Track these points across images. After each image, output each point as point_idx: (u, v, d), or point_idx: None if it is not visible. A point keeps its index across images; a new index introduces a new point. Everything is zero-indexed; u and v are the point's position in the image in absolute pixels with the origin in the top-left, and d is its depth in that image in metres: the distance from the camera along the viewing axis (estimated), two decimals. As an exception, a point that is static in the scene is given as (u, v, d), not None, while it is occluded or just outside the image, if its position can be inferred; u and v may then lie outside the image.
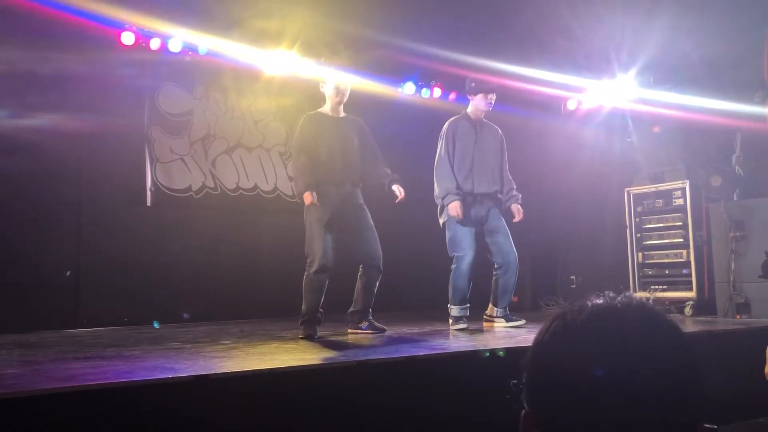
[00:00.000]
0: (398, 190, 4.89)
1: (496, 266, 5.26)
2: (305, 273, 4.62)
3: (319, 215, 4.61)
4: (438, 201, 5.24)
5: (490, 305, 5.28)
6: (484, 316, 5.29)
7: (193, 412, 2.60)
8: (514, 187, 5.43)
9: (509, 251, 5.21)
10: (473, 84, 5.34)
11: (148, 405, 2.54)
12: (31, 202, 5.52)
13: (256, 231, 6.76)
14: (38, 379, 2.76)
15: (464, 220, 5.12)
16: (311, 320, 4.56)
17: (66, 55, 5.55)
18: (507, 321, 5.20)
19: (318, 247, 4.56)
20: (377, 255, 4.74)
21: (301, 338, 4.42)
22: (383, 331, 4.71)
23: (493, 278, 5.27)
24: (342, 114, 4.93)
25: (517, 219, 5.32)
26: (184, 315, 5.93)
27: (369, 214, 4.82)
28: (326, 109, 4.91)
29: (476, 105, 5.31)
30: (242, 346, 4.04)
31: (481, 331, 5.03)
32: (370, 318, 4.79)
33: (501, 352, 3.42)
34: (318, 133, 4.77)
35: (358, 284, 4.80)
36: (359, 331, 4.73)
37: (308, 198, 4.59)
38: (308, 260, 4.61)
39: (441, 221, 5.29)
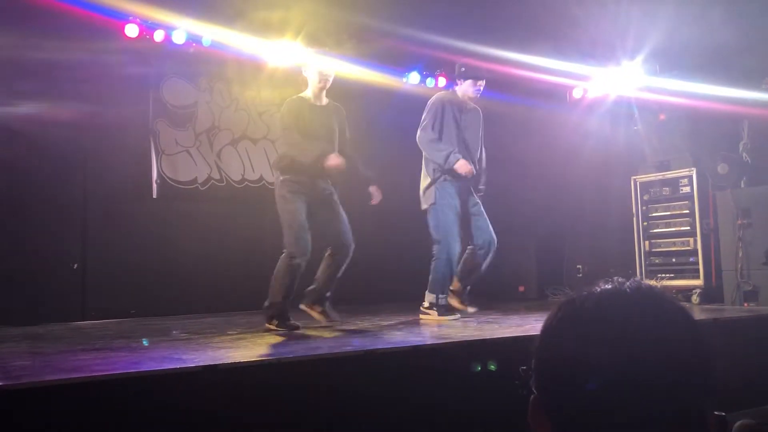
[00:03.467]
0: (376, 192, 4.79)
1: (476, 246, 5.14)
2: (280, 262, 4.47)
3: (294, 204, 4.50)
4: (429, 174, 5.10)
5: (456, 280, 5.14)
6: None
7: (201, 402, 2.60)
8: (485, 166, 5.31)
9: (490, 234, 5.13)
10: (463, 69, 5.22)
11: (156, 395, 2.55)
12: (37, 195, 5.54)
13: (262, 222, 6.73)
14: (46, 371, 2.78)
15: (451, 205, 5.03)
16: (285, 312, 4.43)
17: (70, 47, 5.54)
18: (471, 306, 5.11)
19: (297, 236, 4.44)
20: (348, 240, 4.63)
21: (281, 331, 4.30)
22: (337, 321, 4.60)
23: (466, 255, 5.14)
24: (324, 101, 4.78)
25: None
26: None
27: (339, 203, 4.71)
28: (308, 94, 4.75)
29: (464, 90, 5.21)
30: (249, 336, 4.05)
31: (470, 318, 4.96)
32: (327, 304, 4.66)
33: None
34: (298, 118, 4.62)
35: (323, 264, 4.66)
36: (311, 310, 4.60)
37: (334, 160, 4.46)
38: (287, 250, 4.46)
39: (424, 205, 5.16)
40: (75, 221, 5.81)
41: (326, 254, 4.68)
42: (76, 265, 5.77)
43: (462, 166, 4.94)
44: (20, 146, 5.43)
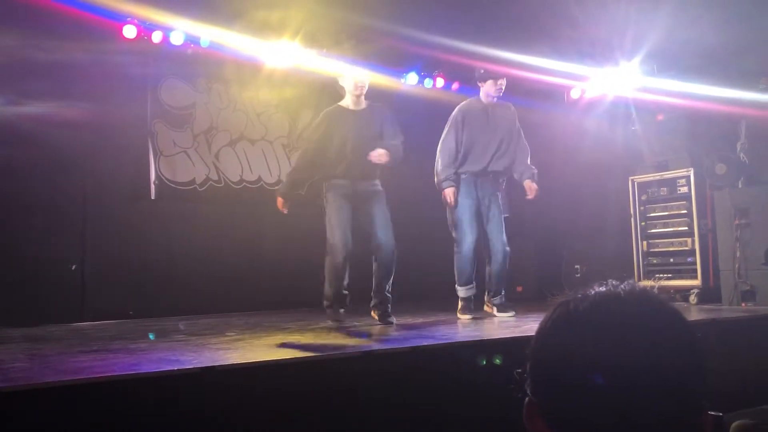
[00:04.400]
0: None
1: (489, 254, 5.31)
2: (326, 260, 4.73)
3: (336, 205, 4.72)
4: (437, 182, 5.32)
5: (486, 293, 5.37)
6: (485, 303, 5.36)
7: (199, 404, 2.61)
8: (529, 161, 5.42)
9: (498, 242, 5.25)
10: (482, 71, 5.40)
11: (155, 397, 2.55)
12: (35, 196, 5.53)
13: (260, 223, 6.76)
14: (45, 372, 2.78)
15: (465, 201, 5.21)
16: (333, 307, 4.73)
17: (68, 48, 5.54)
18: (498, 311, 5.25)
19: (335, 234, 4.65)
20: (382, 239, 4.76)
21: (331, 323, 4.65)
22: (390, 324, 4.69)
23: (486, 264, 5.35)
24: (363, 105, 4.97)
25: (530, 196, 5.33)
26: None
27: (384, 203, 4.86)
28: (347, 102, 4.96)
29: (486, 91, 5.36)
30: (247, 337, 4.05)
31: (482, 319, 5.06)
32: (387, 309, 4.79)
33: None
34: (332, 128, 4.84)
35: (375, 269, 4.84)
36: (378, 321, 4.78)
37: (279, 203, 4.87)
38: (328, 250, 4.71)
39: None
40: (73, 222, 5.81)
41: (374, 266, 4.85)
42: (74, 267, 5.77)
43: (447, 195, 5.18)
44: (18, 147, 5.43)
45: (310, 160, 4.90)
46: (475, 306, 5.29)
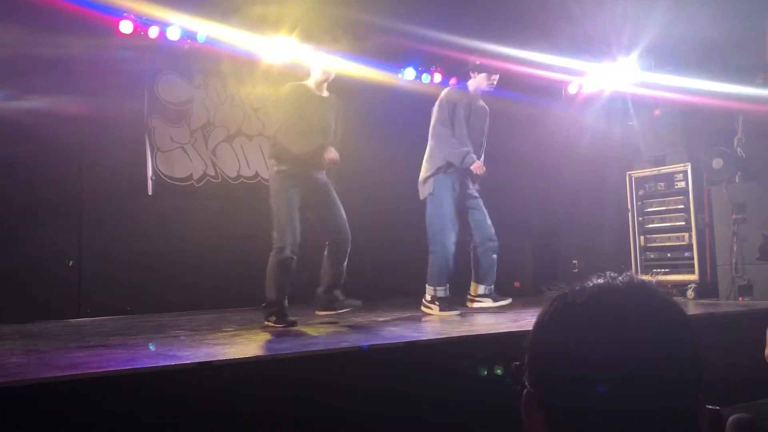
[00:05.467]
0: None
1: (474, 244, 5.19)
2: (271, 258, 4.46)
3: (283, 195, 4.50)
4: (432, 166, 5.15)
5: (473, 284, 5.21)
6: (468, 296, 5.22)
7: (196, 399, 2.61)
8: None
9: (487, 228, 5.17)
10: (478, 62, 5.28)
11: (152, 392, 2.55)
12: (32, 192, 5.52)
13: (257, 218, 6.69)
14: (42, 368, 2.78)
15: (448, 197, 5.08)
16: (283, 309, 4.40)
17: (65, 43, 5.52)
18: (494, 301, 5.14)
19: (287, 230, 4.43)
20: (344, 229, 4.65)
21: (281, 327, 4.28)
22: (359, 305, 4.60)
23: (472, 256, 5.20)
24: (325, 93, 4.80)
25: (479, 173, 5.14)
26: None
27: (333, 190, 4.72)
28: (310, 83, 4.77)
29: (477, 83, 5.28)
30: (244, 333, 4.05)
31: (471, 313, 5.00)
32: (340, 296, 4.65)
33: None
34: (298, 106, 4.63)
35: (325, 262, 4.67)
36: (330, 312, 4.63)
37: (331, 153, 4.50)
38: (276, 245, 4.45)
39: (423, 195, 5.21)
40: (70, 218, 5.80)
41: (326, 249, 4.66)
42: (71, 262, 5.76)
43: (478, 167, 5.04)
44: (14, 142, 5.41)
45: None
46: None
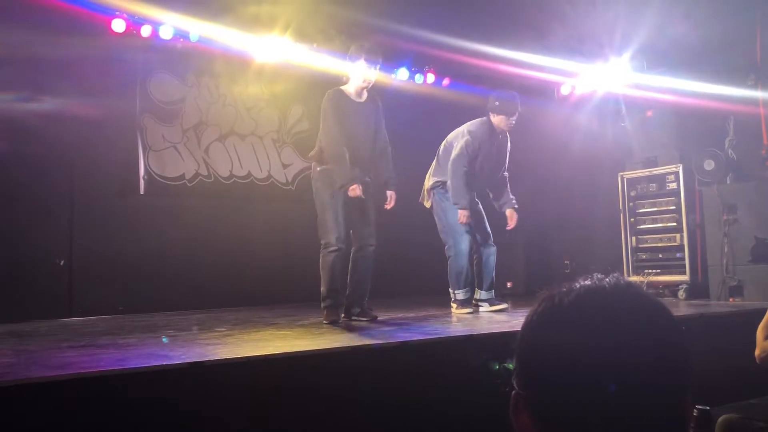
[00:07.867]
0: (391, 197, 4.85)
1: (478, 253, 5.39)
2: (321, 254, 4.57)
3: (327, 193, 4.57)
4: (438, 179, 5.34)
5: (476, 289, 5.39)
6: (473, 300, 5.37)
7: (188, 399, 2.60)
8: (508, 186, 5.49)
9: (488, 235, 5.37)
10: (497, 103, 5.30)
11: (143, 392, 2.54)
12: (23, 191, 5.50)
13: (250, 218, 6.75)
14: (32, 368, 2.77)
15: (449, 207, 5.27)
16: (334, 304, 4.53)
17: (56, 42, 5.49)
18: (490, 305, 5.30)
19: (332, 226, 4.52)
20: (365, 238, 4.68)
21: (325, 324, 4.39)
22: (375, 318, 4.65)
23: (475, 262, 5.37)
24: (364, 97, 4.77)
25: (510, 226, 5.42)
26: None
27: (372, 199, 4.76)
28: (349, 89, 4.74)
29: (498, 123, 5.34)
30: (237, 333, 4.04)
31: (477, 315, 5.08)
32: (364, 305, 4.72)
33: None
34: (341, 116, 4.63)
35: (351, 269, 4.72)
36: (352, 318, 4.68)
37: (355, 191, 4.48)
38: (322, 241, 4.56)
39: (428, 204, 5.43)
40: (61, 217, 5.78)
41: (351, 258, 4.72)
42: (62, 262, 5.74)
43: (461, 217, 5.16)
44: (5, 141, 5.39)
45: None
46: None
